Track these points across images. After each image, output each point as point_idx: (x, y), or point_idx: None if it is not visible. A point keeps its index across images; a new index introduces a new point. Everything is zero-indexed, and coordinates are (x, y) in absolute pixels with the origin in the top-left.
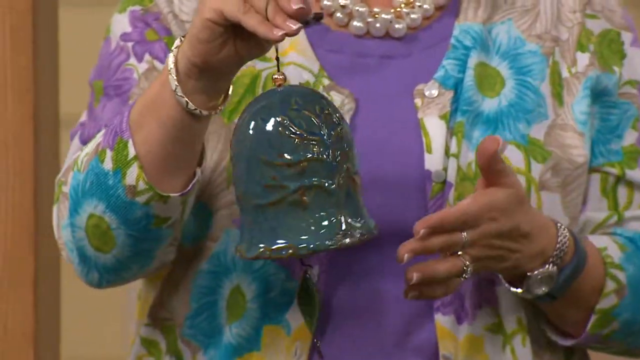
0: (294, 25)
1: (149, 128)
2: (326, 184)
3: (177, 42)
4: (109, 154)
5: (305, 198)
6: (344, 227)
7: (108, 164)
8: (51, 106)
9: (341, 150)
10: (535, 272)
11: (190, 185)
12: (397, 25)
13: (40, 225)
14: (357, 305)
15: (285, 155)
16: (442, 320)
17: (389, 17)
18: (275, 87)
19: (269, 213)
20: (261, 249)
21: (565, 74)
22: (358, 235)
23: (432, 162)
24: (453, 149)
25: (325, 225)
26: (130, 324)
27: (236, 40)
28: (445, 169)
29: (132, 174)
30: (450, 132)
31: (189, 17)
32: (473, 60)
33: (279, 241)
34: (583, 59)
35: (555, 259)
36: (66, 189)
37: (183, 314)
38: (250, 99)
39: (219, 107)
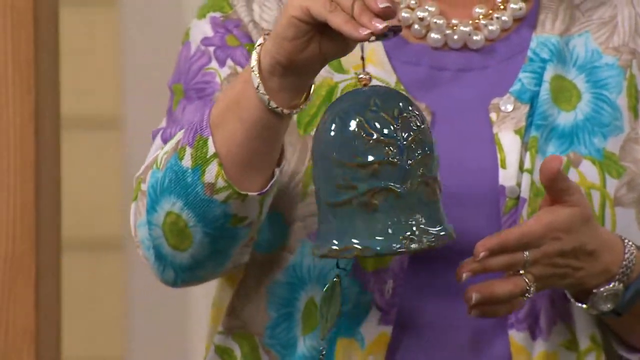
0: (379, 25)
1: (230, 126)
2: (397, 188)
3: (260, 40)
4: (188, 151)
5: (374, 200)
6: (413, 231)
7: (187, 162)
8: (52, 106)
9: (416, 154)
10: (601, 289)
11: (269, 186)
12: (475, 37)
13: (42, 225)
14: (431, 319)
15: (358, 156)
16: (516, 336)
17: (467, 29)
18: (360, 87)
19: (338, 212)
20: (329, 249)
21: None
22: (426, 241)
23: (506, 177)
24: (527, 164)
25: (393, 229)
26: (129, 323)
27: (321, 39)
28: (519, 185)
29: (212, 172)
30: (525, 147)
31: (269, 26)
32: (549, 73)
33: (346, 241)
34: None
35: (622, 277)
36: (145, 186)
37: (262, 323)
38: None
39: (300, 106)
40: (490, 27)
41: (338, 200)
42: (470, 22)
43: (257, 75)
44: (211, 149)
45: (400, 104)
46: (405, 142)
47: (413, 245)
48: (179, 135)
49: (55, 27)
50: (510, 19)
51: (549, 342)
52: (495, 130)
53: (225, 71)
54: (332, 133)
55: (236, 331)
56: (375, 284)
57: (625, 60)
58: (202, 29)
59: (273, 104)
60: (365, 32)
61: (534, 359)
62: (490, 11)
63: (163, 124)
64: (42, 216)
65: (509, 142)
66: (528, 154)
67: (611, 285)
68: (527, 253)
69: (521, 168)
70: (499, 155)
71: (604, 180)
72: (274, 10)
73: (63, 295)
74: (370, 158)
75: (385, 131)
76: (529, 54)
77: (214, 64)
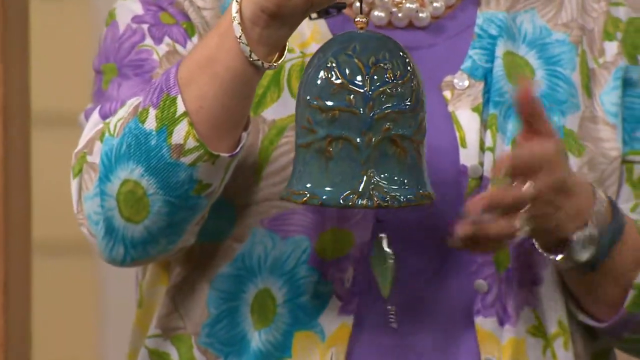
0: None
1: (202, 82)
2: (355, 139)
3: None
4: (152, 112)
5: (330, 148)
6: (364, 187)
7: (151, 124)
8: (22, 102)
9: (384, 107)
10: (579, 233)
11: (239, 147)
12: (421, 14)
13: (11, 227)
14: (394, 308)
15: (321, 98)
16: (483, 323)
17: (413, 6)
18: (356, 30)
19: (300, 154)
20: (287, 190)
21: (592, 64)
22: (377, 200)
23: (468, 156)
24: (488, 142)
25: (344, 181)
26: (101, 328)
27: None
28: (481, 164)
29: (180, 132)
30: (484, 124)
31: (204, 4)
32: (500, 49)
33: (300, 186)
34: (611, 47)
35: (595, 220)
36: (92, 158)
37: (199, 322)
38: (275, 90)
39: (277, 62)
40: (435, 4)
41: (301, 142)
42: None
43: (240, 25)
44: (180, 108)
45: (384, 53)
46: (371, 93)
47: (361, 201)
48: (135, 100)
49: (25, 21)
50: None
51: (517, 328)
52: (450, 108)
53: (162, 48)
54: (308, 73)
55: (175, 333)
56: (335, 273)
57: (576, 36)
58: (130, 8)
59: (254, 56)
60: None
61: (504, 346)
62: None
63: (89, 105)
64: (11, 218)
65: (467, 120)
66: (488, 132)
67: (587, 231)
68: (529, 184)
69: (482, 147)
70: (457, 134)
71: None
72: None
73: (34, 299)
74: (331, 103)
75: (352, 78)
76: (476, 30)
77: (148, 41)
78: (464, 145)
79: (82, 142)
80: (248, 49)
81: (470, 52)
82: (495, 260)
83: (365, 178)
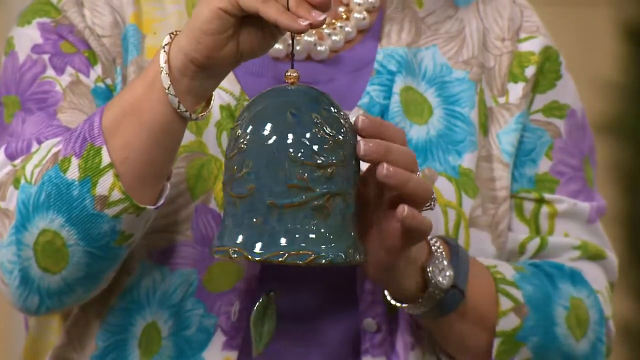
0: (319, 16)
1: (128, 133)
2: (347, 194)
3: (166, 39)
4: (74, 162)
5: (328, 205)
6: (354, 242)
7: (73, 174)
8: None
9: (355, 160)
10: (432, 260)
11: (163, 198)
12: (319, 48)
13: None
14: (280, 344)
15: (318, 155)
16: None
17: (312, 39)
18: (286, 85)
19: (286, 214)
20: (274, 252)
21: (490, 103)
22: (363, 254)
23: None
24: None
25: (341, 238)
26: None
27: (240, 36)
28: None
29: (105, 183)
30: None
31: (104, 32)
32: (398, 85)
33: (299, 246)
34: (516, 90)
35: (437, 248)
36: (5, 204)
37: (88, 354)
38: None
39: (203, 114)
40: (334, 37)
41: (289, 202)
42: (314, 31)
43: (168, 75)
44: (105, 159)
45: (336, 105)
46: (355, 145)
47: (357, 257)
48: (50, 146)
49: None
50: (354, 30)
51: None
52: None
53: (65, 79)
54: (281, 127)
55: None
56: (221, 306)
57: (475, 74)
58: (29, 36)
59: (182, 107)
60: (304, 22)
61: None
62: (333, 20)
63: None
64: None
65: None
66: None
67: (438, 256)
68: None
69: None
70: None
71: (460, 198)
72: (106, 15)
73: None
74: (328, 159)
75: (339, 132)
76: (376, 66)
77: (50, 72)
78: None
79: None
80: (176, 100)
81: (369, 88)
82: (386, 300)
83: (353, 233)
